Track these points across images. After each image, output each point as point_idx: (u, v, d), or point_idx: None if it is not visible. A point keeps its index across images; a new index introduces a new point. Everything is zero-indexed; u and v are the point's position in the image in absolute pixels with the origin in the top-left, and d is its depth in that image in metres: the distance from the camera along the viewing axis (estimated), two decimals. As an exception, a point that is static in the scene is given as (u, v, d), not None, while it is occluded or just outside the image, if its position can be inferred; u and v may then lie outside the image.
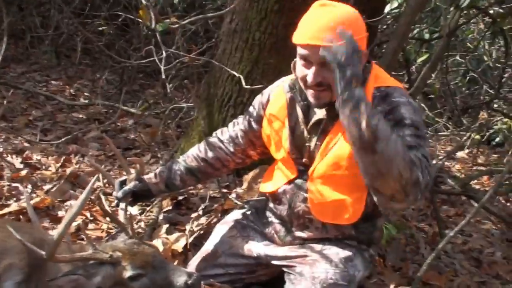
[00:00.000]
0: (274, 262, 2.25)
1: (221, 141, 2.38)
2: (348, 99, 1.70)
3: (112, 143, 2.37)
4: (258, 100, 2.31)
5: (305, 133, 2.12)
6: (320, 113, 2.06)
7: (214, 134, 2.44)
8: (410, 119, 1.86)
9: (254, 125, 2.30)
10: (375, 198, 1.84)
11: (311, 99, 1.99)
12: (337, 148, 2.00)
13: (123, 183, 2.33)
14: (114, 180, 2.35)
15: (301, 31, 1.94)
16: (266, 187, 2.33)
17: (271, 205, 2.34)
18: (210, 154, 2.37)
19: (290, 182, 2.20)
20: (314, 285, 2.02)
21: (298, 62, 1.99)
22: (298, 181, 2.18)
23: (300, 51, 1.95)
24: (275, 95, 2.21)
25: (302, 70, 1.97)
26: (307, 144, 2.12)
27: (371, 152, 1.69)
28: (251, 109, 2.32)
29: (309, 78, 1.92)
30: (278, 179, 2.26)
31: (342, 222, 2.10)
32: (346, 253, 2.11)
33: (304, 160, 2.14)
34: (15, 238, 2.11)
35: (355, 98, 1.70)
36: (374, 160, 1.69)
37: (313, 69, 1.91)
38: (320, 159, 2.05)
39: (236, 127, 2.37)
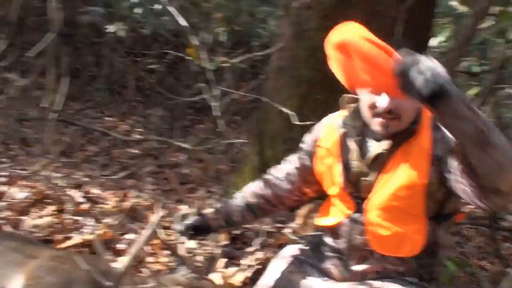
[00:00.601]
0: None
1: (277, 178, 2.42)
2: (454, 95, 1.53)
3: (174, 177, 2.45)
4: (308, 137, 2.34)
5: (362, 168, 2.13)
6: (378, 148, 2.07)
7: (269, 172, 2.49)
8: None
9: (306, 162, 2.32)
10: (489, 203, 1.73)
11: (377, 128, 1.97)
12: (395, 180, 1.99)
13: (184, 217, 2.40)
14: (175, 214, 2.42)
15: None
16: (322, 221, 2.35)
17: (327, 239, 2.35)
18: (267, 191, 2.40)
19: (347, 217, 2.22)
20: None
21: (364, 91, 2.00)
22: (355, 215, 2.18)
23: None
24: (326, 131, 2.23)
25: (370, 98, 1.94)
26: (363, 178, 2.13)
27: (488, 145, 1.57)
28: (302, 146, 2.36)
29: (382, 104, 1.88)
30: (334, 215, 2.27)
31: (403, 255, 2.08)
32: None
33: (361, 194, 2.15)
34: (80, 269, 2.22)
35: (459, 92, 1.55)
36: (493, 154, 1.58)
37: (385, 96, 1.88)
38: (376, 192, 2.06)
39: (289, 165, 2.39)
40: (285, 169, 2.42)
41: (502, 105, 5.61)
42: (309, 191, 2.42)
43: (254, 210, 2.43)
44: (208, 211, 2.43)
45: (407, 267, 2.13)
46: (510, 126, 6.18)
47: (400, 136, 1.96)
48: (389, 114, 1.90)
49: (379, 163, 2.05)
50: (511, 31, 3.95)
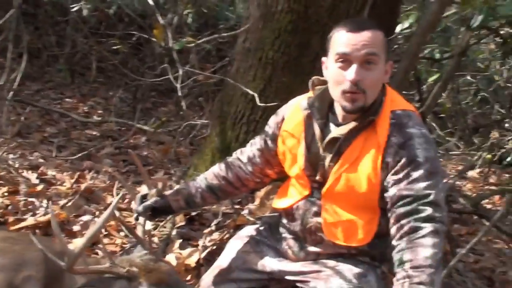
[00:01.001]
0: (288, 277, 2.26)
1: (240, 161, 2.41)
2: None
3: (137, 158, 2.40)
4: (273, 119, 2.34)
5: (321, 150, 2.14)
6: (336, 131, 2.07)
7: (233, 154, 2.46)
8: (423, 156, 1.89)
9: (270, 144, 2.32)
10: None
11: (345, 103, 1.99)
12: (352, 171, 2.01)
13: (143, 197, 2.36)
14: (135, 195, 2.38)
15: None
16: (279, 203, 2.35)
17: (284, 221, 2.35)
18: (230, 173, 2.39)
19: (303, 199, 2.22)
20: None
21: (333, 68, 2.00)
22: (311, 198, 2.20)
23: (338, 49, 1.95)
24: (291, 113, 2.23)
25: (338, 73, 1.96)
26: (321, 162, 2.14)
27: None
28: (266, 128, 2.35)
29: (350, 75, 1.91)
30: (291, 196, 2.28)
31: (354, 244, 2.11)
32: (359, 269, 2.10)
33: (317, 177, 2.16)
34: (32, 250, 2.16)
35: None
36: None
37: (354, 66, 1.92)
38: (333, 179, 2.06)
39: (253, 147, 2.40)
40: (248, 151, 2.41)
41: (461, 92, 5.74)
42: (271, 173, 2.42)
43: (215, 192, 2.41)
44: (169, 192, 2.40)
45: (359, 250, 2.16)
46: (468, 112, 6.33)
47: (360, 123, 1.98)
48: (356, 87, 1.93)
49: (336, 149, 2.06)
50: (473, 19, 4.00)
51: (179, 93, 2.91)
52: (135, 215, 2.35)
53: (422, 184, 1.88)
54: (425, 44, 4.30)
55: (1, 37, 4.48)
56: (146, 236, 2.22)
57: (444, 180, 2.00)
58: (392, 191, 1.93)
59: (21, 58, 4.29)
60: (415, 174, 1.88)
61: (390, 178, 1.94)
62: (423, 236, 1.86)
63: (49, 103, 5.37)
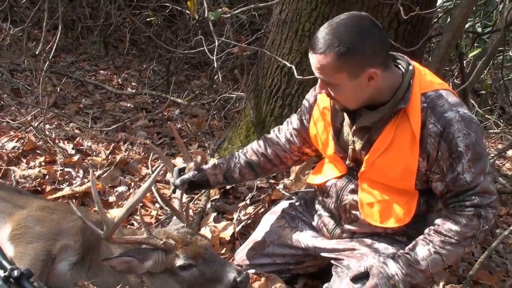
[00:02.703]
0: (323, 254, 2.23)
1: (278, 138, 2.39)
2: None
3: (175, 130, 2.38)
4: (307, 100, 2.30)
5: (350, 136, 2.10)
6: (365, 120, 2.02)
7: (271, 132, 2.45)
8: (464, 145, 1.85)
9: (305, 123, 2.30)
10: None
11: None
12: (385, 158, 1.98)
13: (181, 171, 2.35)
14: (172, 167, 2.37)
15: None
16: (314, 179, 2.32)
17: (319, 197, 2.32)
18: (269, 150, 2.38)
19: (339, 177, 2.19)
20: None
21: None
22: (348, 176, 2.17)
23: None
24: (322, 96, 2.18)
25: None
26: (351, 147, 2.10)
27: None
28: (302, 107, 2.32)
29: (317, 88, 1.97)
30: (327, 173, 2.26)
31: (389, 225, 2.06)
32: (394, 248, 2.08)
33: (347, 162, 2.13)
34: (70, 220, 2.18)
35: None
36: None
37: (319, 80, 1.94)
38: (367, 166, 2.03)
39: (289, 126, 2.38)
40: (285, 130, 2.39)
41: (504, 68, 5.52)
42: (309, 151, 2.39)
43: (254, 168, 2.40)
44: (207, 166, 2.38)
45: (396, 230, 2.11)
46: (509, 89, 6.11)
47: (390, 112, 1.93)
48: (329, 96, 1.99)
49: (366, 137, 2.03)
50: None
51: (215, 65, 2.85)
52: (172, 188, 2.35)
53: (467, 177, 1.87)
54: (469, 16, 4.14)
55: (36, 8, 4.50)
56: (183, 209, 2.22)
57: (487, 157, 1.93)
58: (439, 186, 1.95)
59: (56, 30, 4.30)
60: (459, 167, 1.87)
61: (434, 170, 1.92)
62: (461, 216, 1.90)
63: (83, 75, 5.40)
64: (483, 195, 1.89)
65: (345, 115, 2.09)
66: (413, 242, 1.99)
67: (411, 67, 1.94)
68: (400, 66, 1.97)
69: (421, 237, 1.98)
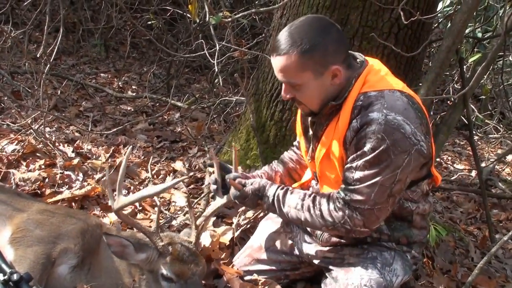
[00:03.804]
0: (315, 261, 2.23)
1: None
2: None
3: (215, 156, 2.31)
4: None
5: (309, 135, 2.15)
6: (313, 118, 2.08)
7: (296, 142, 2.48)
8: (370, 147, 1.82)
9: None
10: None
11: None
12: (328, 154, 2.00)
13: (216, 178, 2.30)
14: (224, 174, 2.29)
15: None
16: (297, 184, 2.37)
17: None
18: (300, 157, 2.40)
19: (311, 180, 2.27)
20: None
21: None
22: (313, 182, 2.25)
23: None
24: None
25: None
26: (311, 145, 2.14)
27: (297, 222, 2.06)
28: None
29: (283, 94, 1.98)
30: (304, 177, 2.35)
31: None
32: (384, 257, 2.05)
33: (308, 159, 2.17)
34: (69, 223, 2.18)
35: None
36: (304, 223, 2.04)
37: (283, 86, 1.96)
38: (318, 164, 2.06)
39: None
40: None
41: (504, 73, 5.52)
42: None
43: (292, 175, 2.42)
44: (256, 173, 2.38)
45: (380, 232, 2.08)
46: (509, 95, 6.11)
47: (326, 109, 1.97)
48: (294, 101, 2.00)
49: (312, 135, 2.10)
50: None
51: (216, 69, 2.86)
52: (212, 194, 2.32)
53: (356, 174, 1.86)
54: (469, 22, 4.14)
55: (38, 11, 4.50)
56: (199, 227, 2.18)
57: (393, 173, 1.84)
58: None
59: (57, 32, 4.31)
60: (355, 163, 1.87)
61: (347, 157, 1.93)
62: (334, 202, 1.94)
63: (84, 78, 5.41)
64: (355, 196, 1.87)
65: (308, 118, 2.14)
66: (298, 190, 2.08)
67: (362, 68, 1.94)
68: (360, 64, 1.98)
69: (305, 191, 2.06)
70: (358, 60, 1.99)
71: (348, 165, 1.88)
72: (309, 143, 2.14)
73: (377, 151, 1.80)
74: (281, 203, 2.04)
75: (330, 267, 2.14)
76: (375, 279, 1.97)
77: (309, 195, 2.01)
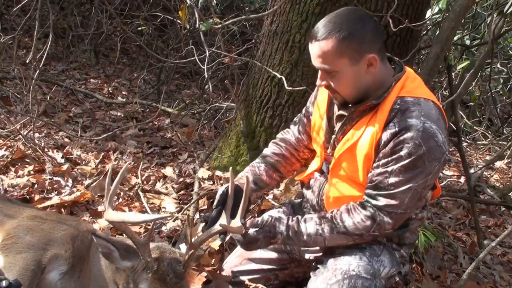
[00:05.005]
0: (307, 255, 2.25)
1: (288, 139, 2.43)
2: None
3: (233, 180, 2.15)
4: (310, 98, 2.37)
5: (334, 123, 2.15)
6: (343, 110, 2.08)
7: (280, 134, 2.49)
8: (407, 153, 1.87)
9: (307, 120, 2.34)
10: None
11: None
12: (352, 150, 2.02)
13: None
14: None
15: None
16: (300, 175, 2.37)
17: (305, 194, 2.34)
18: (284, 150, 2.41)
19: (317, 170, 2.25)
20: (335, 276, 2.00)
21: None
22: (323, 170, 2.23)
23: None
24: (321, 90, 2.24)
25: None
26: (334, 135, 2.14)
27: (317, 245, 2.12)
28: (307, 105, 2.38)
29: (317, 81, 2.01)
30: (311, 166, 2.32)
31: None
32: (373, 248, 2.09)
33: (328, 151, 2.18)
34: (60, 229, 2.16)
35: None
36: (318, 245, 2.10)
37: (319, 72, 1.99)
38: (337, 156, 2.07)
39: (296, 125, 2.42)
40: (293, 129, 2.45)
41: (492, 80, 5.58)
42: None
43: (278, 169, 2.40)
44: (239, 179, 2.31)
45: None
46: (497, 101, 6.17)
47: (362, 106, 1.99)
48: (329, 89, 2.02)
49: (340, 126, 2.09)
50: (508, 4, 3.87)
51: (206, 75, 2.87)
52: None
53: (391, 179, 1.90)
54: (458, 29, 4.19)
55: (27, 17, 4.48)
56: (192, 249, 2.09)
57: (425, 179, 1.91)
58: (371, 172, 1.97)
59: (46, 38, 4.29)
60: (390, 167, 1.90)
61: (377, 160, 1.95)
62: (359, 213, 1.96)
63: (74, 83, 5.39)
64: (390, 201, 1.91)
65: (336, 107, 2.14)
66: (310, 216, 2.08)
67: (402, 72, 2.00)
68: (394, 67, 2.04)
69: (318, 215, 2.07)
70: (394, 63, 2.06)
71: (381, 170, 1.92)
72: (330, 134, 2.15)
73: (413, 157, 1.87)
74: (298, 235, 2.05)
75: (321, 257, 2.16)
76: (363, 266, 2.01)
77: (324, 217, 2.04)
